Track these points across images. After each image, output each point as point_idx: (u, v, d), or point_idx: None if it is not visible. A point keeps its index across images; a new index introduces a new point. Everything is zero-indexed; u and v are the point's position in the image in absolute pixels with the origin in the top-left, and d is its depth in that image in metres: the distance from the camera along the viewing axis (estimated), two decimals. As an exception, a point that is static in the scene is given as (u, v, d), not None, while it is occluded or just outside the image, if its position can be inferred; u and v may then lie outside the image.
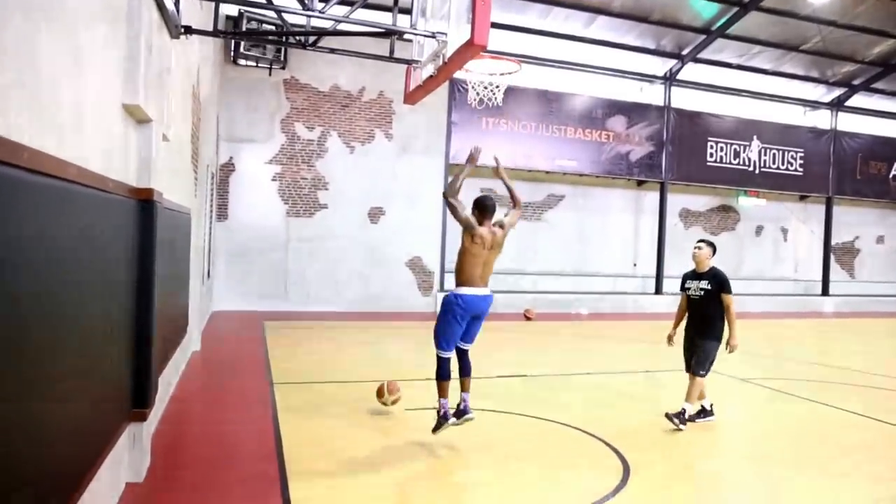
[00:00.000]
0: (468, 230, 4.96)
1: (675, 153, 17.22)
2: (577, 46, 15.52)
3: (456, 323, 5.04)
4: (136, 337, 3.81)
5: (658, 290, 17.27)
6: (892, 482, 4.86)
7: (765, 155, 18.41)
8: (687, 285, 6.18)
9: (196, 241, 7.88)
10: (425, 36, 5.55)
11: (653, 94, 17.22)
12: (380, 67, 14.27)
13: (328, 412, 6.06)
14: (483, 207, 5.05)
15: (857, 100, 19.54)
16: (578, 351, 10.76)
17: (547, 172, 16.42)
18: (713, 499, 4.58)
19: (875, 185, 20.32)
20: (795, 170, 18.91)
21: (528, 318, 14.32)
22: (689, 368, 6.14)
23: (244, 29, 12.12)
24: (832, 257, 20.11)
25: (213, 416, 5.92)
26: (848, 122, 19.88)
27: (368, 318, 13.16)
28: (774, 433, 6.10)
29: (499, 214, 5.20)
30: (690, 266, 6.37)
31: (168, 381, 5.98)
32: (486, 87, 7.39)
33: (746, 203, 19.01)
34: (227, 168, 13.51)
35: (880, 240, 21.88)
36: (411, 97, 6.47)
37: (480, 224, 4.98)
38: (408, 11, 5.90)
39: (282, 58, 13.02)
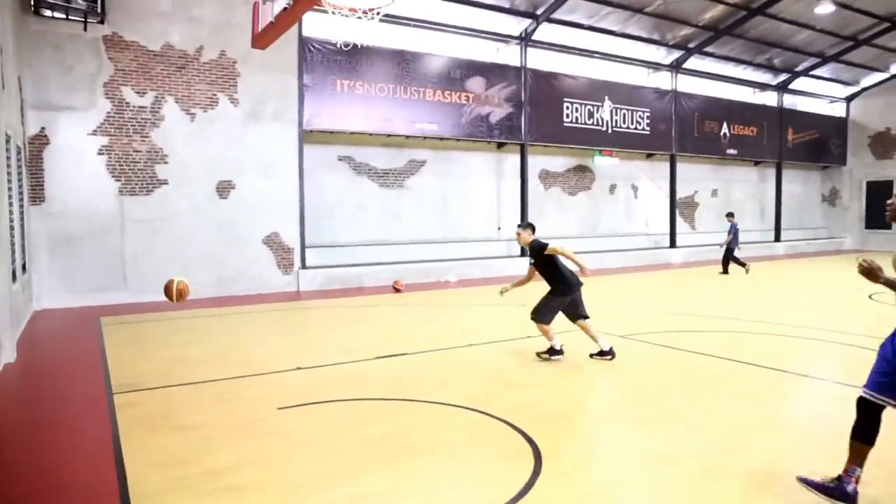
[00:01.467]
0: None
1: (534, 114, 17.24)
2: (432, 4, 14.87)
3: None
4: None
5: (523, 253, 17.35)
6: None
7: (616, 115, 18.98)
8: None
9: (-4, 229, 6.40)
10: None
11: (510, 55, 17.05)
12: (219, 24, 12.83)
13: (182, 421, 5.10)
14: None
15: (693, 62, 20.68)
16: (455, 321, 10.34)
17: (407, 137, 15.77)
18: (630, 467, 4.25)
19: (710, 142, 21.76)
20: (643, 129, 19.72)
21: (396, 290, 13.74)
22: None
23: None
24: (677, 211, 21.36)
25: (31, 443, 4.75)
26: (686, 84, 21.03)
27: (224, 303, 11.91)
28: (666, 387, 5.99)
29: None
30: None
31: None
32: (359, 16, 6.26)
33: (601, 162, 19.58)
34: (39, 140, 11.49)
35: (714, 193, 23.61)
36: (261, 39, 5.52)
37: None
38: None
39: (98, 9, 11.15)
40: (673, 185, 20.88)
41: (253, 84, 13.23)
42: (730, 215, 17.13)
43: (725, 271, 16.52)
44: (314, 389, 6.00)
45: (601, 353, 7.02)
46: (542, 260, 6.97)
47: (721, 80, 22.11)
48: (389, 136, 15.41)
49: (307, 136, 14.10)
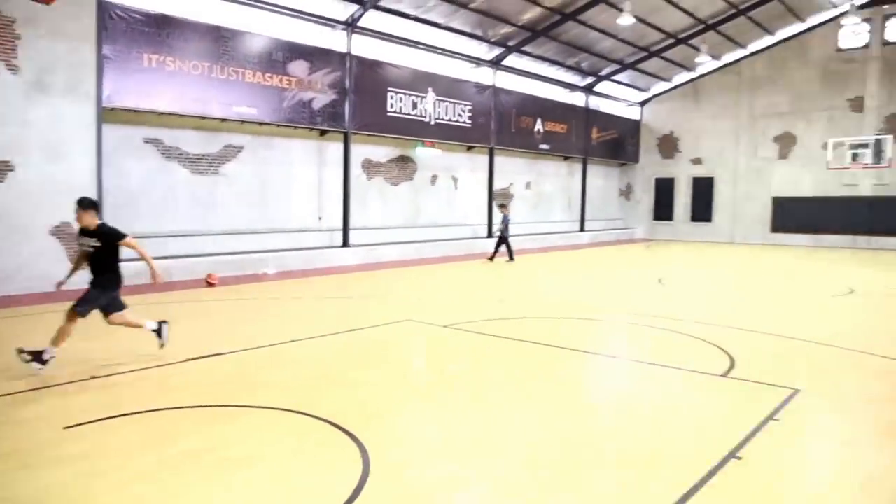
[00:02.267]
0: None
1: (358, 102, 16.97)
2: (251, -21, 14.00)
3: None
4: None
5: (345, 243, 17.11)
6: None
7: (438, 107, 19.31)
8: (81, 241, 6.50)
9: None
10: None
11: (335, 40, 16.59)
12: (-9, -24, 10.98)
13: (-59, 453, 4.25)
14: None
15: (513, 60, 21.66)
16: (274, 316, 9.87)
17: (223, 120, 14.74)
18: (456, 459, 4.26)
19: (525, 137, 22.99)
20: (464, 122, 20.29)
21: (210, 285, 12.86)
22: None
23: None
24: (494, 202, 22.32)
25: None
26: (505, 80, 21.98)
27: (5, 304, 10.33)
28: (489, 374, 6.15)
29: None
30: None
31: None
32: None
33: (423, 153, 19.85)
34: None
35: (528, 185, 25.06)
36: None
37: None
38: None
39: None
40: (491, 177, 21.78)
41: (38, 50, 11.53)
42: (502, 206, 19.17)
43: (492, 259, 18.45)
44: (111, 401, 5.34)
45: (158, 333, 6.85)
46: (111, 249, 6.49)
47: (537, 78, 23.41)
48: (204, 118, 14.30)
49: (107, 115, 12.60)
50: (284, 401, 5.34)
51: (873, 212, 23.68)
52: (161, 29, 13.00)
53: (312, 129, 16.63)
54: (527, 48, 21.13)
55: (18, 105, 11.40)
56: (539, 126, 23.41)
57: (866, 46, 23.84)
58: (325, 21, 16.21)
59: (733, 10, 22.04)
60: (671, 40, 23.13)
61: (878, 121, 23.51)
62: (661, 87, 28.24)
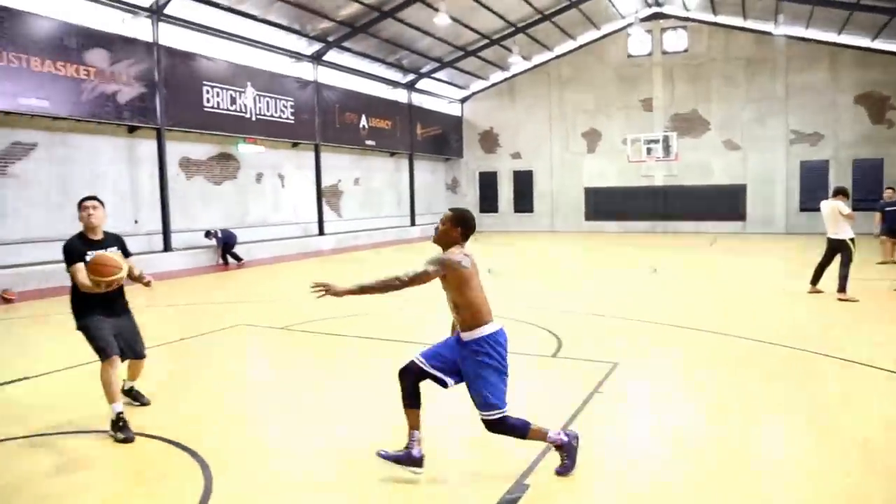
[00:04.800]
0: (452, 268, 3.72)
1: (171, 97, 15.80)
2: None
3: (503, 371, 3.80)
4: None
5: (167, 247, 15.91)
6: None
7: (259, 102, 18.57)
8: (90, 257, 4.70)
9: None
10: None
11: (139, 28, 15.27)
12: None
13: None
14: (468, 226, 3.93)
15: (333, 56, 21.41)
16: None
17: (7, 114, 12.99)
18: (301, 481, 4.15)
19: (351, 133, 22.86)
20: (287, 118, 19.71)
21: (7, 301, 11.36)
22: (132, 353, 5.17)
23: None
24: (323, 199, 21.98)
25: None
26: (327, 76, 21.67)
27: None
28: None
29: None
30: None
31: None
32: None
33: (246, 150, 18.99)
34: None
35: (357, 182, 24.98)
36: None
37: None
38: None
39: None
40: (318, 173, 21.40)
41: None
42: (207, 234, 16.72)
43: None
44: None
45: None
46: None
47: (359, 75, 23.36)
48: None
49: None
50: (105, 420, 4.85)
51: (667, 200, 26.66)
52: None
53: (120, 124, 15.19)
54: (347, 44, 21.01)
55: None
56: (364, 122, 23.40)
57: (650, 54, 26.72)
58: (125, 7, 14.87)
59: (539, 16, 23.57)
60: (486, 41, 24.24)
61: (664, 119, 26.48)
62: (479, 84, 29.49)
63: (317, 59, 20.87)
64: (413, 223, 27.21)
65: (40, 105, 13.12)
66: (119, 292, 5.01)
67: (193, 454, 4.20)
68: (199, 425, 4.81)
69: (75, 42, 13.64)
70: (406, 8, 19.63)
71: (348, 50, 21.55)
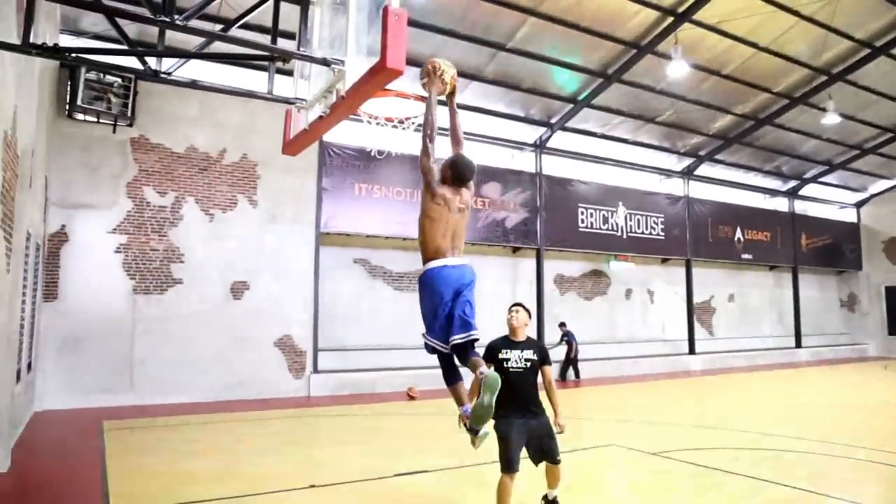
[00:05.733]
0: (428, 187, 4.23)
1: (549, 219, 17.30)
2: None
3: (439, 301, 4.16)
4: None
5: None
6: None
7: (630, 220, 19.04)
8: (504, 355, 5.00)
9: (6, 329, 6.16)
10: (317, 62, 4.56)
11: (524, 161, 17.33)
12: (243, 128, 13.16)
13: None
14: (461, 172, 4.28)
15: (704, 169, 20.98)
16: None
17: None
18: None
19: (724, 247, 21.69)
20: (657, 234, 19.72)
21: (411, 398, 13.27)
22: (545, 457, 5.05)
23: (82, 80, 10.58)
24: (694, 316, 20.96)
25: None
26: (698, 190, 21.24)
27: (232, 408, 11.42)
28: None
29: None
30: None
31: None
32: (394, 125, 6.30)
33: (616, 267, 19.45)
34: (59, 238, 11.49)
35: (731, 297, 23.28)
36: (292, 146, 5.43)
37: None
38: (290, 37, 4.93)
39: (129, 112, 11.46)
40: (689, 289, 20.61)
41: (272, 186, 13.39)
42: (562, 325, 17.04)
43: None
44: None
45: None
46: (537, 367, 5.20)
47: (732, 186, 22.36)
48: (405, 239, 15.36)
49: (323, 239, 14.10)
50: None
51: None
52: (369, 161, 14.48)
53: (506, 246, 17.13)
54: (719, 156, 20.40)
55: (256, 233, 13.20)
56: (739, 235, 22.03)
57: None
58: (515, 144, 17.08)
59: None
60: (889, 134, 21.04)
61: None
62: (880, 185, 25.50)
63: (687, 174, 20.70)
64: (798, 345, 23.91)
65: (446, 231, 15.60)
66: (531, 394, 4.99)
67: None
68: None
69: (477, 178, 16.05)
70: (786, 112, 18.37)
71: (721, 162, 20.90)
